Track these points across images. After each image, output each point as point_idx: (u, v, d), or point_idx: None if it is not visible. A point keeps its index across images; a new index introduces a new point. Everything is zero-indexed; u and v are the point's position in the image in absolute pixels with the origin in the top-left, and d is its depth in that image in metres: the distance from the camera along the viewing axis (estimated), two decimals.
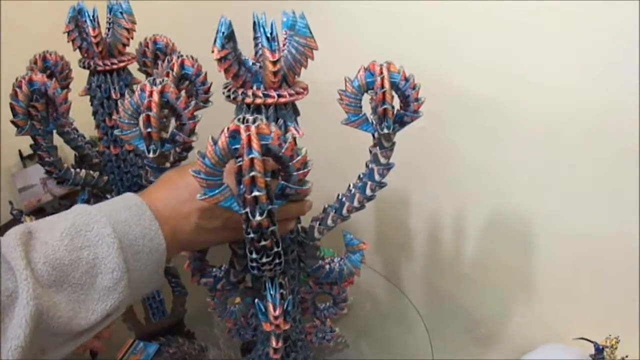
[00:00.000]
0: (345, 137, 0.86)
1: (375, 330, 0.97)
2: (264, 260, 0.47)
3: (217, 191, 0.43)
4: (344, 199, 0.61)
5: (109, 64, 0.70)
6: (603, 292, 0.83)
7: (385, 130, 0.55)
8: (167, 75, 0.67)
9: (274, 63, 0.49)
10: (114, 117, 0.74)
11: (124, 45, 0.72)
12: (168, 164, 0.57)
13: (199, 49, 0.75)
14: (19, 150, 1.27)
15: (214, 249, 0.63)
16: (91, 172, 0.73)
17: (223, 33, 0.49)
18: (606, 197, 0.77)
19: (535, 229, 0.88)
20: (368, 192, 0.59)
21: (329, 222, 0.61)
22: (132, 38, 0.73)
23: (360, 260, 0.64)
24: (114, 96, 0.72)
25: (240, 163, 0.41)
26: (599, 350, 0.73)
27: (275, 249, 0.47)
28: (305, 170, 0.44)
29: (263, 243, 0.46)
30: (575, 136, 0.77)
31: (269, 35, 0.48)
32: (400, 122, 0.57)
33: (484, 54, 0.81)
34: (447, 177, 0.96)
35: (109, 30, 0.72)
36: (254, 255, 0.47)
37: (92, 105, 0.74)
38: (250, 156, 0.39)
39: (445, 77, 0.86)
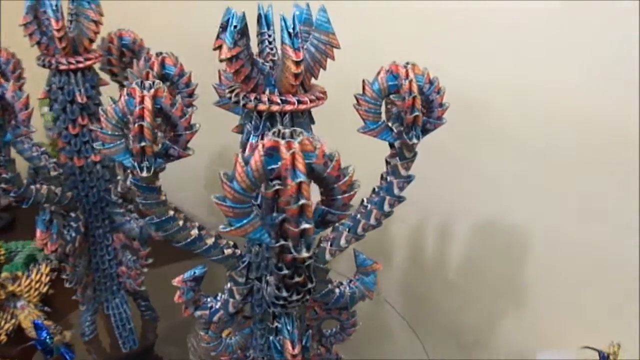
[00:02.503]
0: (353, 147, 0.80)
1: (359, 340, 0.92)
2: (294, 297, 0.40)
3: (245, 221, 0.35)
4: (358, 215, 0.54)
5: (74, 62, 0.61)
6: (595, 300, 0.81)
7: (415, 140, 0.49)
8: (147, 75, 0.58)
9: (297, 64, 0.42)
10: (80, 123, 0.64)
11: (91, 40, 0.62)
12: (159, 183, 0.48)
13: (168, 45, 0.67)
14: None
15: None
16: (52, 187, 0.63)
17: (235, 27, 0.42)
18: (601, 208, 0.75)
19: (528, 237, 0.84)
20: (386, 207, 0.53)
21: (342, 242, 0.54)
22: (99, 32, 0.63)
23: (374, 282, 0.58)
24: (79, 99, 0.62)
25: (276, 188, 0.34)
26: (605, 357, 0.71)
27: (309, 285, 0.40)
28: (352, 193, 0.37)
29: (297, 279, 0.38)
30: (576, 149, 0.74)
31: (290, 30, 0.41)
32: (423, 129, 0.52)
33: (490, 57, 0.77)
34: (434, 182, 0.92)
35: (71, 22, 0.62)
36: (284, 294, 0.40)
37: (51, 109, 0.64)
38: (299, 180, 0.32)
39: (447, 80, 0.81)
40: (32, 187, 0.59)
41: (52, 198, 0.62)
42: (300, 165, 0.33)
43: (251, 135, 0.46)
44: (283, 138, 0.34)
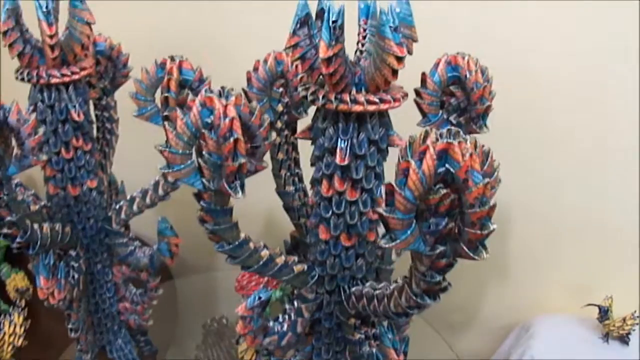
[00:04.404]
0: None
1: None
2: (432, 303, 0.38)
3: (409, 232, 0.32)
4: None
5: (68, 73, 0.52)
6: (571, 266, 0.87)
7: (485, 129, 0.49)
8: (169, 82, 0.51)
9: (400, 60, 0.39)
10: (75, 145, 0.55)
11: (83, 47, 0.53)
12: (232, 203, 0.43)
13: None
14: None
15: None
16: (51, 225, 0.54)
17: (334, 22, 0.38)
18: (578, 175, 0.80)
19: (505, 212, 0.88)
20: None
21: None
22: (92, 37, 0.54)
23: None
24: (75, 117, 0.53)
25: (441, 194, 0.31)
26: (605, 311, 0.77)
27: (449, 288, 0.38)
28: (496, 189, 0.35)
29: (444, 284, 0.36)
30: (560, 120, 0.78)
31: (392, 24, 0.38)
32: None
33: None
34: None
35: None
36: (428, 301, 0.37)
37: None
38: (486, 181, 0.30)
39: None
40: (36, 227, 0.50)
41: (55, 238, 0.53)
42: (478, 166, 0.31)
43: (339, 139, 0.43)
44: (456, 139, 0.31)
